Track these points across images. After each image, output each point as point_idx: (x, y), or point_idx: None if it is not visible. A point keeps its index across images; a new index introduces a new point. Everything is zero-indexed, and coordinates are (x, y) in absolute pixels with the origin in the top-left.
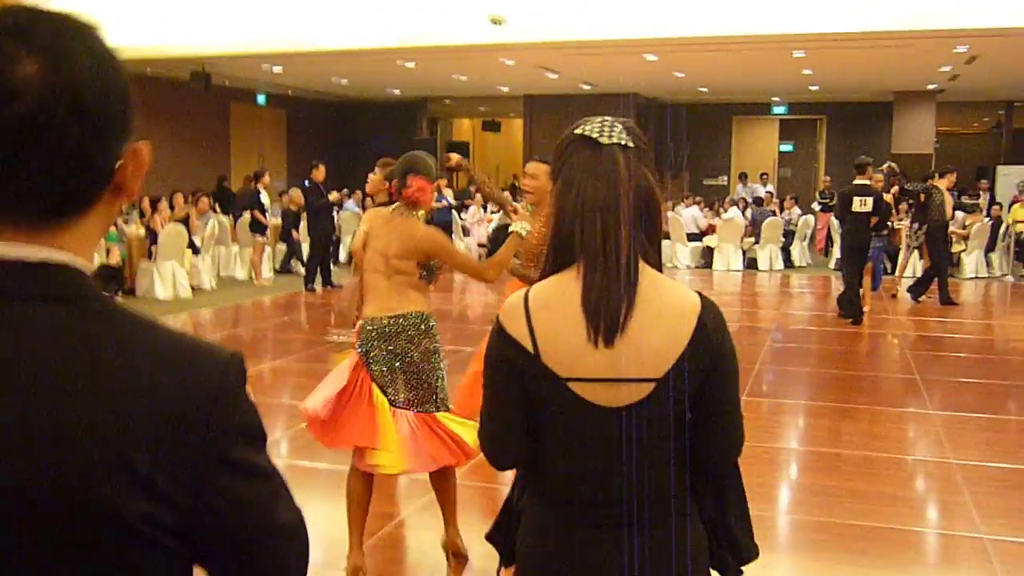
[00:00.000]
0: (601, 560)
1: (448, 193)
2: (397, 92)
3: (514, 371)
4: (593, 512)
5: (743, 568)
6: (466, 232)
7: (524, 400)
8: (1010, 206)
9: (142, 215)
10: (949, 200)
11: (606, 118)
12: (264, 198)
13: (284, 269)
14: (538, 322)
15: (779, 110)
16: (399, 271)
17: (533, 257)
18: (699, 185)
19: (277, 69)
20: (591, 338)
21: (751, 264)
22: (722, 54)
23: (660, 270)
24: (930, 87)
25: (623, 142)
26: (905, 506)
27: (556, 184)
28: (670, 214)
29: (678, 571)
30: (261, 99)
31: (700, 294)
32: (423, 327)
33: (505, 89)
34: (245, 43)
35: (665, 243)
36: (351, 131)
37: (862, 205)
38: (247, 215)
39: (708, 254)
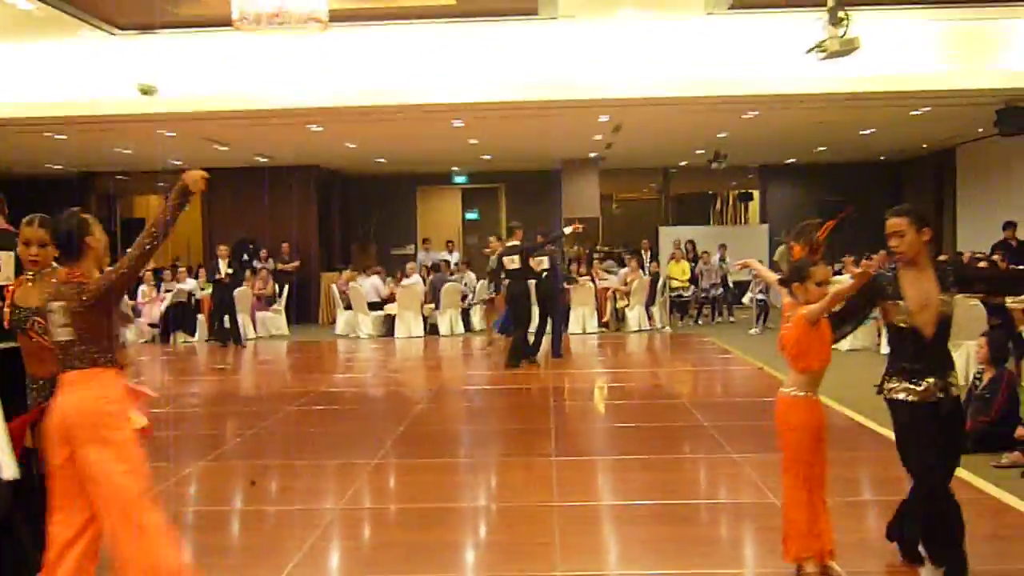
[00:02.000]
0: None
1: None
2: (58, 166)
3: None
4: None
5: None
6: (137, 312)
7: None
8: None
9: None
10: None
11: None
12: None
13: None
14: None
15: (460, 179)
16: None
17: None
18: (387, 255)
19: None
20: None
21: (433, 330)
22: (383, 124)
23: None
24: (591, 155)
25: None
26: (496, 552)
27: None
28: (352, 284)
29: None
30: None
31: None
32: None
33: (178, 163)
34: None
35: (347, 313)
36: (12, 210)
37: (511, 263)
38: None
39: (390, 322)
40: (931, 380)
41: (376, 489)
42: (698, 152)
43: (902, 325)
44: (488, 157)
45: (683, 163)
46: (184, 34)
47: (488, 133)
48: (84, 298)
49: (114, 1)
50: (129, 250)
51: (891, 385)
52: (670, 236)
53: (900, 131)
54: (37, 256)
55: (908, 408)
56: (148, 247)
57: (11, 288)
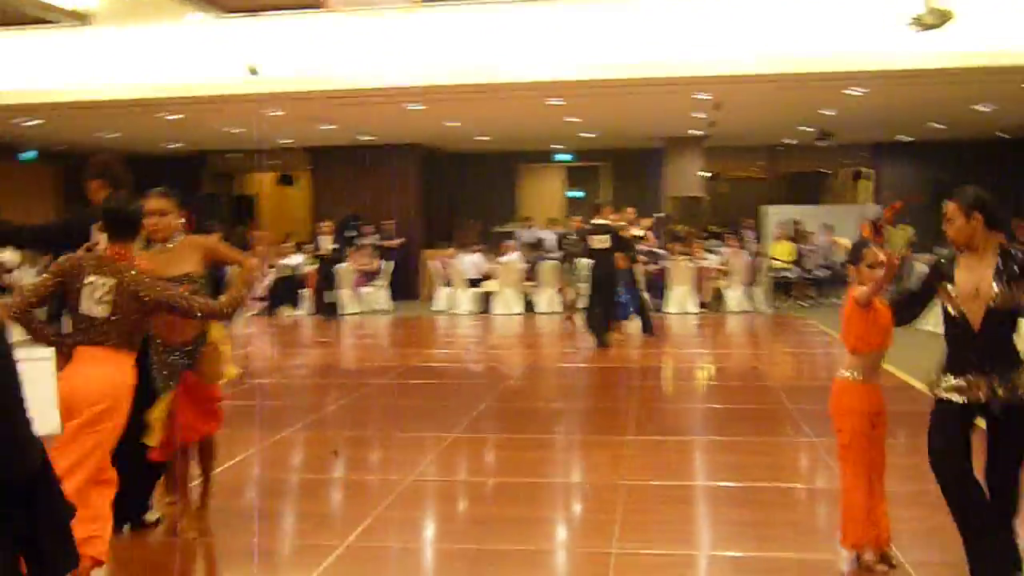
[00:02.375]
0: None
1: None
2: (177, 145)
3: None
4: None
5: None
6: None
7: None
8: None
9: None
10: None
11: None
12: (5, 257)
13: None
14: None
15: (563, 157)
16: None
17: None
18: (489, 232)
19: (32, 123)
20: None
21: (531, 307)
22: (481, 102)
23: None
24: (694, 133)
25: None
26: (553, 528)
27: None
28: (452, 261)
29: None
30: (30, 155)
31: None
32: None
33: (289, 141)
34: None
35: (446, 290)
36: (132, 186)
37: (599, 242)
38: None
39: (489, 299)
40: (976, 377)
41: (449, 463)
42: (805, 129)
43: (952, 313)
44: (590, 135)
45: (790, 141)
46: (286, 15)
47: (587, 111)
48: (144, 296)
49: None
50: (216, 301)
51: (940, 381)
52: (775, 216)
53: (1020, 106)
54: (157, 226)
55: (949, 409)
56: (219, 311)
57: (139, 262)
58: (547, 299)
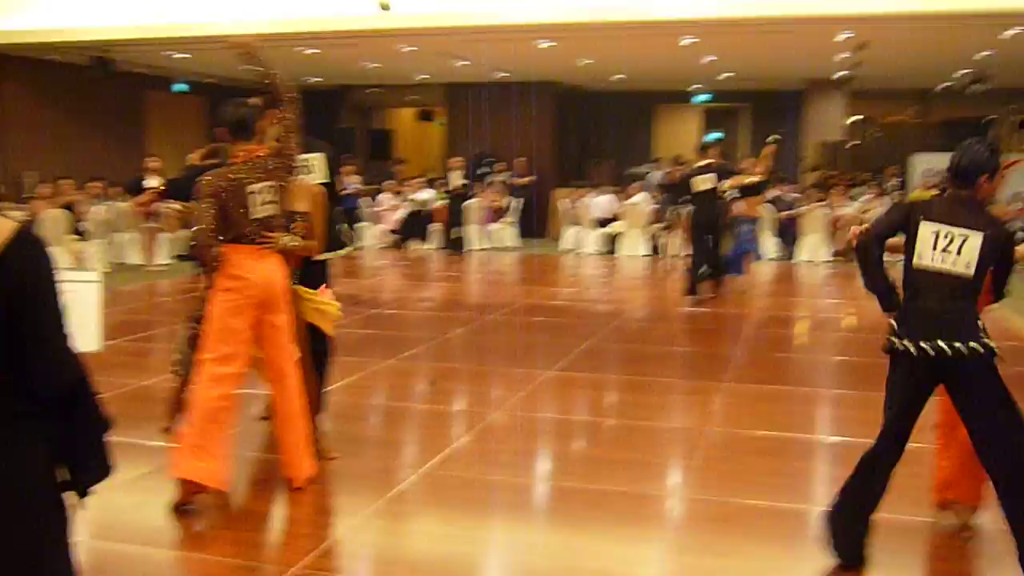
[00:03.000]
0: None
1: (354, 180)
2: (316, 79)
3: None
4: None
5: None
6: (377, 219)
7: None
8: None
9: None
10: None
11: None
12: (151, 183)
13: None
14: None
15: (700, 99)
16: None
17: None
18: (622, 173)
19: (180, 56)
20: None
21: (657, 250)
22: (615, 41)
23: None
24: (838, 75)
25: None
26: (624, 470)
27: None
28: (581, 201)
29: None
30: (180, 87)
31: (23, 224)
32: None
33: (425, 77)
34: (141, 28)
35: (574, 229)
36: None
37: (703, 184)
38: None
39: (616, 240)
40: None
41: (540, 399)
42: (961, 73)
43: None
44: (728, 75)
45: (944, 85)
46: None
47: (725, 50)
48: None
49: None
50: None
51: None
52: (923, 164)
53: None
54: None
55: None
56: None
57: None
58: (676, 242)
